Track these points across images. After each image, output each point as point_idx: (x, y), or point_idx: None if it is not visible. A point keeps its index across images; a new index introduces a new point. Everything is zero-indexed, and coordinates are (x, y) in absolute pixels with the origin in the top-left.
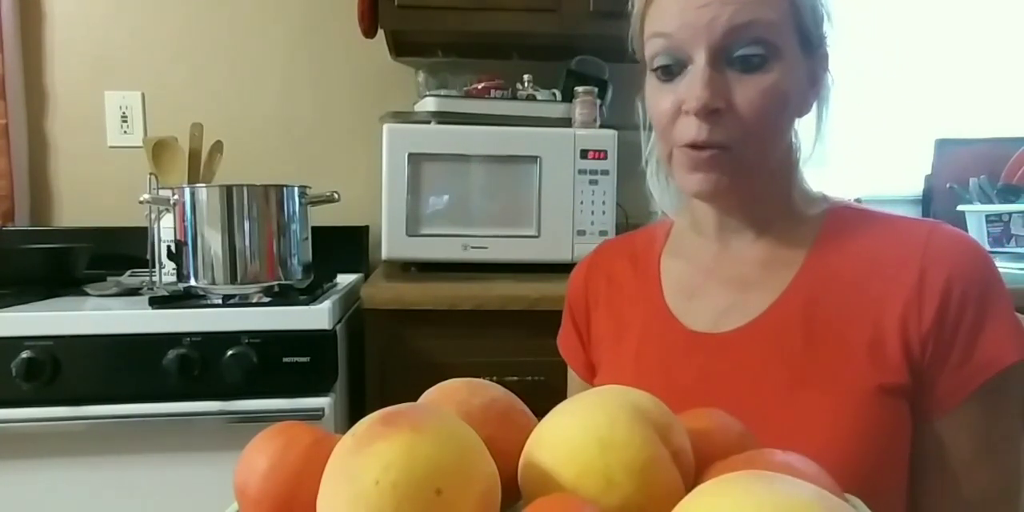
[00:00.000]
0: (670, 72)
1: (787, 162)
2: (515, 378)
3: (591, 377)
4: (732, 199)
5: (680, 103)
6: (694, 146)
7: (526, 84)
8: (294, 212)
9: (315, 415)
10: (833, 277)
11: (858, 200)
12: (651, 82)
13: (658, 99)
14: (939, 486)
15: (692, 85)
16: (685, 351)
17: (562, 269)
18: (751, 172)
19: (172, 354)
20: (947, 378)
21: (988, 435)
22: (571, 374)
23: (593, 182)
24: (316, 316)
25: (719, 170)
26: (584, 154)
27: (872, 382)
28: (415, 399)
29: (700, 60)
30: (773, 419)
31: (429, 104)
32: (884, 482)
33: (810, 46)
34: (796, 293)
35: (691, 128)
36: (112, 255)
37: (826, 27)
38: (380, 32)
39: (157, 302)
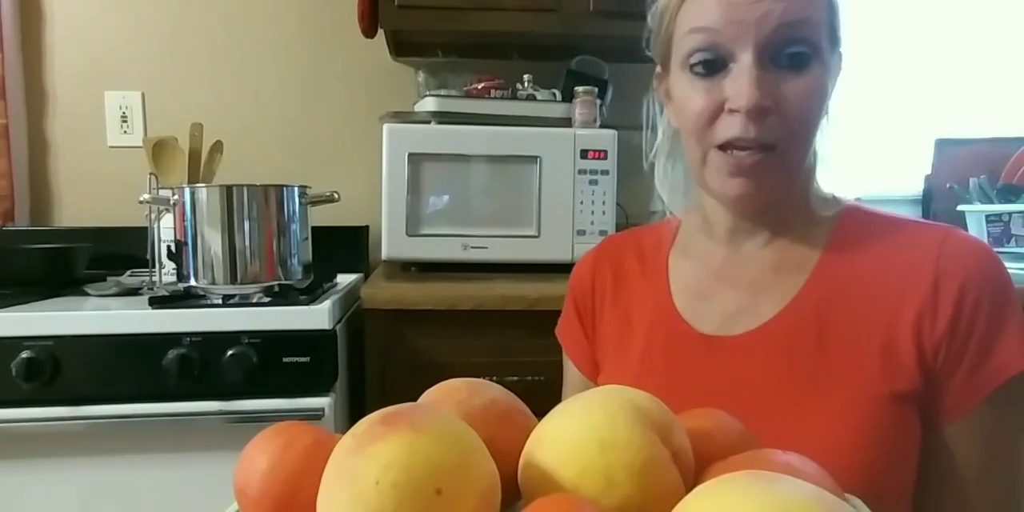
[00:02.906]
0: (710, 67)
1: (809, 164)
2: (515, 378)
3: (594, 373)
4: (766, 202)
5: (721, 102)
6: (737, 146)
7: (526, 84)
8: (294, 212)
9: (315, 415)
10: (846, 281)
11: (857, 200)
12: (683, 79)
13: (693, 97)
14: (946, 493)
15: (740, 84)
16: (693, 353)
17: (562, 269)
18: (791, 174)
19: (172, 354)
20: (958, 385)
21: (997, 443)
22: (569, 369)
23: (593, 182)
24: (316, 316)
25: (761, 175)
26: (584, 154)
27: (885, 388)
28: (415, 399)
29: (746, 58)
30: (782, 423)
31: (429, 104)
32: (891, 488)
33: (835, 43)
34: (808, 297)
35: (735, 126)
36: (112, 255)
37: (842, 27)
38: (380, 32)
39: (157, 302)
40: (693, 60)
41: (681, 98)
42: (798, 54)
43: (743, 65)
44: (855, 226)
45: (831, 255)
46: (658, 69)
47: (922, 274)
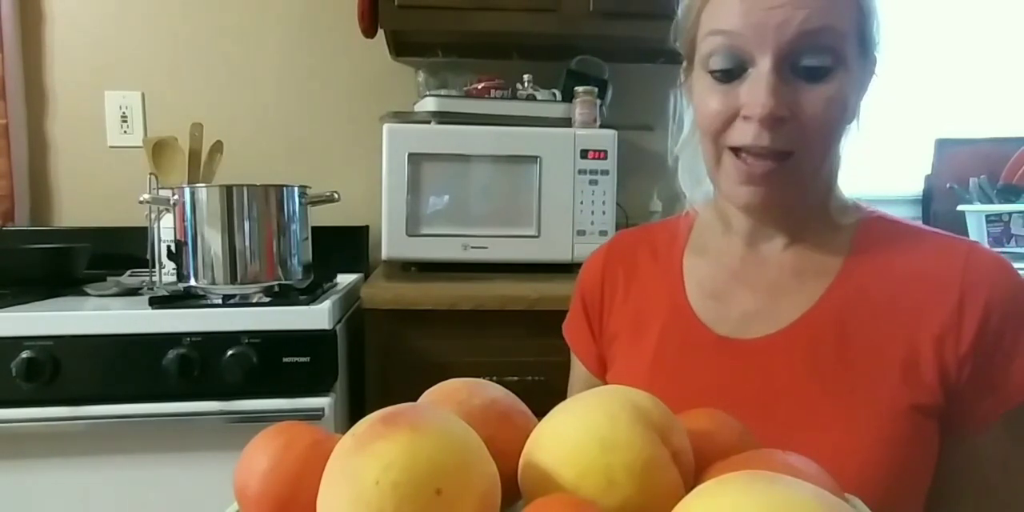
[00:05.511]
0: (728, 73)
1: (830, 170)
2: (515, 378)
3: (601, 371)
4: (777, 209)
5: (737, 107)
6: (749, 152)
7: (526, 84)
8: (294, 212)
9: (315, 415)
10: (868, 291)
11: (856, 200)
12: (703, 80)
13: (711, 100)
14: (963, 503)
15: (756, 91)
16: (707, 355)
17: (562, 269)
18: (804, 183)
19: (172, 354)
20: (982, 399)
21: (1017, 456)
22: (576, 366)
23: (593, 182)
24: (316, 316)
25: (771, 184)
26: (584, 154)
27: (904, 401)
28: (415, 399)
29: (764, 64)
30: (797, 430)
31: (429, 104)
32: (905, 497)
33: (866, 52)
34: (830, 304)
35: (749, 133)
36: (112, 255)
37: (879, 30)
38: (380, 32)
39: (157, 302)
40: (712, 63)
41: (699, 99)
42: (817, 65)
43: (761, 72)
44: (877, 234)
45: (853, 262)
46: (684, 63)
47: (946, 289)
